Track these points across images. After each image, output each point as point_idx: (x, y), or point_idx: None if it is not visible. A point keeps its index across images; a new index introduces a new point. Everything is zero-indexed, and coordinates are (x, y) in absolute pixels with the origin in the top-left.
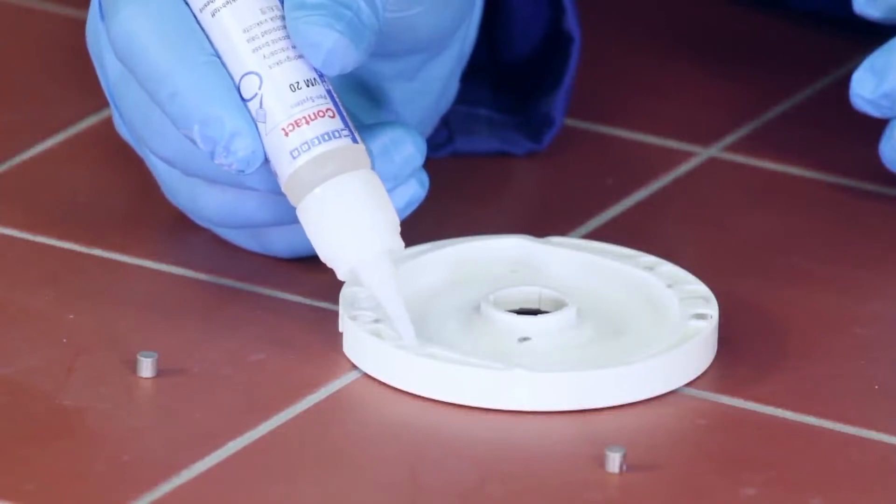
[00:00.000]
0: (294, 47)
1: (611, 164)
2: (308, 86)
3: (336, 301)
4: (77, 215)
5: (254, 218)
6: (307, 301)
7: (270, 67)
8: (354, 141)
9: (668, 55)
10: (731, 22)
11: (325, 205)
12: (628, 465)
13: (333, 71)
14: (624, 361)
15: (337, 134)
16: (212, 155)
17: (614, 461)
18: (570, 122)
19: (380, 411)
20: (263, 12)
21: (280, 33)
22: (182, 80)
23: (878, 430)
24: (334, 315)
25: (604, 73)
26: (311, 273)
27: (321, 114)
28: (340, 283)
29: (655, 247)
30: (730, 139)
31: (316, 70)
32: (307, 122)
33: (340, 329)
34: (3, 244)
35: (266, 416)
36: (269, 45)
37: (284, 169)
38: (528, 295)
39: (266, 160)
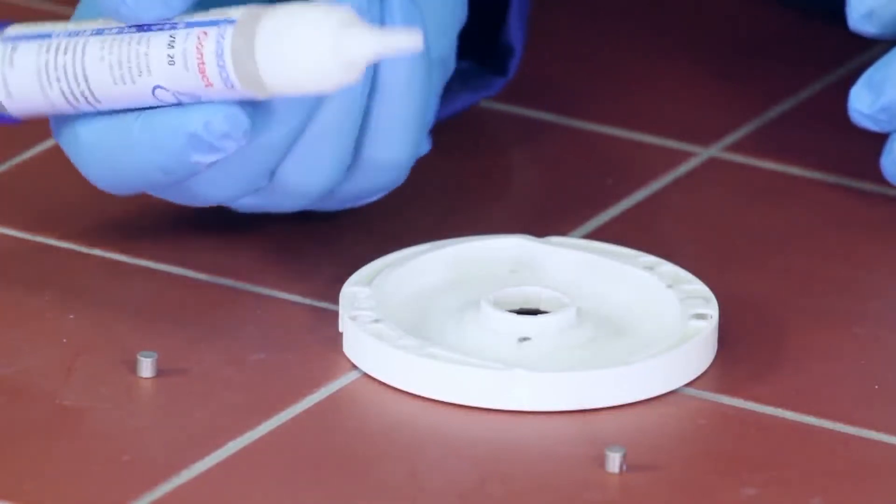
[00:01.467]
0: (138, 42)
1: (611, 164)
2: (172, 46)
3: (336, 301)
4: (77, 215)
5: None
6: (307, 301)
7: (150, 71)
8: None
9: (669, 55)
10: (731, 21)
11: (277, 26)
12: (628, 465)
13: None
14: (624, 361)
15: (224, 20)
16: (224, 145)
17: (614, 461)
18: (570, 122)
19: (380, 411)
20: (104, 46)
21: (122, 38)
22: (149, 156)
23: (878, 430)
24: (334, 315)
25: (604, 73)
26: (311, 273)
27: (201, 38)
28: (340, 283)
29: (655, 247)
30: (730, 139)
31: (165, 23)
32: (202, 58)
33: (340, 329)
34: (3, 244)
35: (266, 416)
36: (127, 60)
37: (230, 81)
38: (528, 295)
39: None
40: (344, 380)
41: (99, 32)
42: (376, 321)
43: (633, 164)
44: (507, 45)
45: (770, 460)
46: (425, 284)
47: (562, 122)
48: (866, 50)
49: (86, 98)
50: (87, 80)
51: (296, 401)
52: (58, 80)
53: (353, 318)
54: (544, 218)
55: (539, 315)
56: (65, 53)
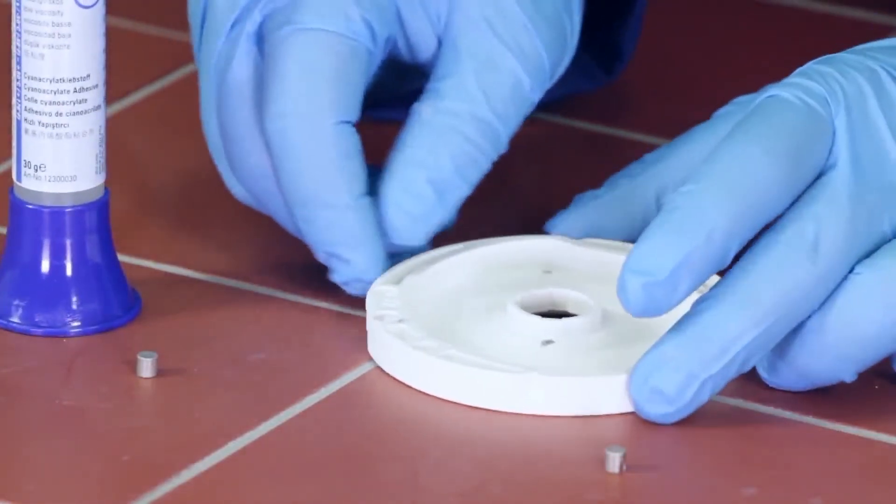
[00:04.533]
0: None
1: (611, 164)
2: None
3: (336, 301)
4: None
5: None
6: (307, 301)
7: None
8: None
9: (669, 55)
10: (731, 21)
11: None
12: (628, 465)
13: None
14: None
15: None
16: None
17: (614, 461)
18: (570, 121)
19: (380, 411)
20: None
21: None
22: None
23: (878, 430)
24: (334, 315)
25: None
26: (311, 273)
27: None
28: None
29: None
30: None
31: None
32: None
33: (367, 328)
34: (4, 245)
35: (266, 415)
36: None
37: None
38: (554, 297)
39: None
40: (344, 380)
41: None
42: (400, 321)
43: None
44: (618, 45)
45: (770, 460)
46: (456, 284)
47: (562, 122)
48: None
49: None
50: None
51: (295, 401)
52: None
53: (380, 318)
54: (544, 218)
55: (563, 318)
56: None
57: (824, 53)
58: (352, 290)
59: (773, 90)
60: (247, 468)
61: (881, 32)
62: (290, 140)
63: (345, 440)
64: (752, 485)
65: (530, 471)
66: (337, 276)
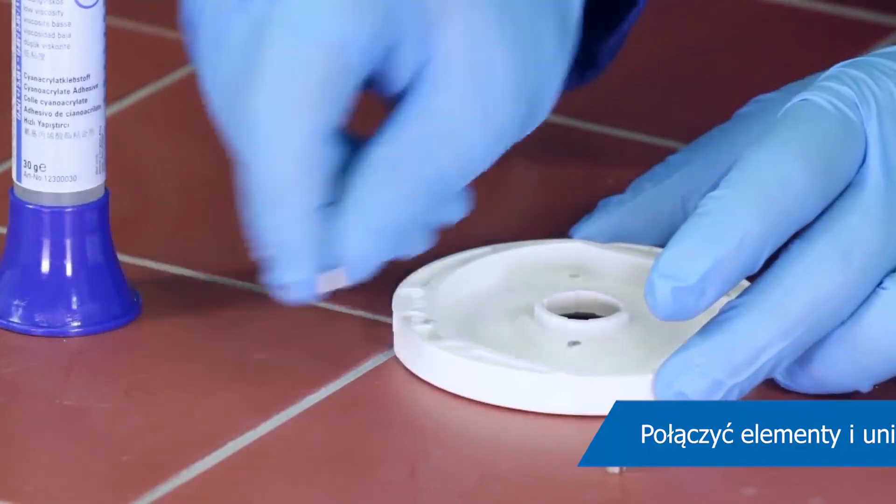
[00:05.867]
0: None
1: (611, 164)
2: None
3: (336, 301)
4: None
5: None
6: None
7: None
8: None
9: (669, 55)
10: (730, 21)
11: None
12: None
13: None
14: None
15: None
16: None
17: None
18: (569, 121)
19: (380, 411)
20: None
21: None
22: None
23: None
24: (334, 315)
25: (604, 72)
26: None
27: None
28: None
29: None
30: None
31: None
32: None
33: (394, 329)
34: (4, 245)
35: (266, 415)
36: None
37: None
38: (582, 299)
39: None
40: (344, 380)
41: None
42: (427, 321)
43: (633, 164)
44: (595, 55)
45: None
46: (483, 286)
47: (562, 121)
48: (865, 49)
49: None
50: None
51: (295, 401)
52: None
53: (407, 319)
54: (544, 219)
55: (590, 319)
56: None
57: (824, 53)
58: (289, 294)
59: (805, 94)
60: (247, 468)
61: (881, 32)
62: (270, 138)
63: (345, 440)
64: (752, 485)
65: (530, 471)
66: (275, 279)
